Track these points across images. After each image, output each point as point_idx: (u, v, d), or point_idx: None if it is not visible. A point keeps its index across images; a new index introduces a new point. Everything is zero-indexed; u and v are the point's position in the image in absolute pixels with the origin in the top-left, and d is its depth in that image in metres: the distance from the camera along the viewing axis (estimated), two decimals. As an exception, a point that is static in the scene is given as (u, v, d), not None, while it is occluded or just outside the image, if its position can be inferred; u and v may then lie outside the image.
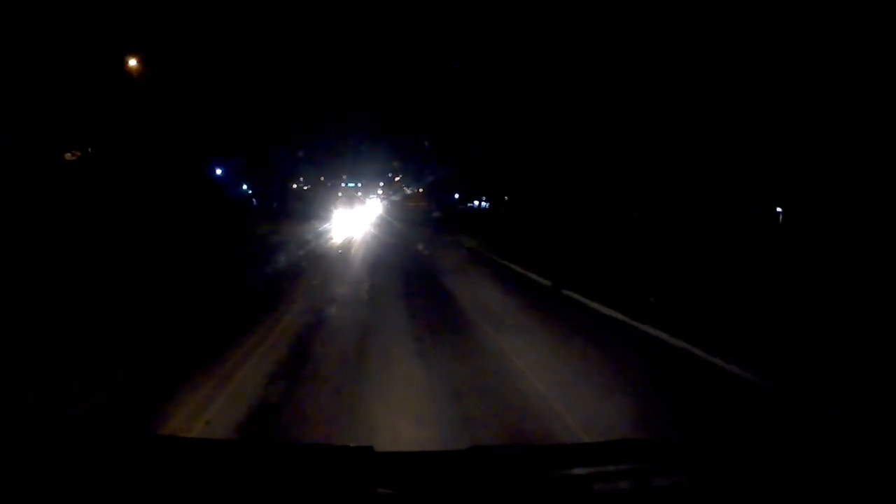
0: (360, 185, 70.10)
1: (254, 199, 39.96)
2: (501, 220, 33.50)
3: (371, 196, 65.20)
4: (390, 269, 14.14)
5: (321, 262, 15.21)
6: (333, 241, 22.81)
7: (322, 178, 66.28)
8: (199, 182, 28.23)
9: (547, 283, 12.15)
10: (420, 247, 20.52)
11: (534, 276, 13.14)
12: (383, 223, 37.57)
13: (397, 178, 65.92)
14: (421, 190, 56.15)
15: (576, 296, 10.46)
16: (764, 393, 5.52)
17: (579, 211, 29.06)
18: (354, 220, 36.90)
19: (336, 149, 59.47)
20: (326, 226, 30.88)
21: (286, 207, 38.68)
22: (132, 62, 23.63)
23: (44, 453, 1.60)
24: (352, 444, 1.72)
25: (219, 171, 36.41)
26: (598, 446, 2.19)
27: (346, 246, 20.50)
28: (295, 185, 55.55)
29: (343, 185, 68.69)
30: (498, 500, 1.48)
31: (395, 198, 58.01)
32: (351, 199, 54.95)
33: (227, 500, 1.47)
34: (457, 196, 55.08)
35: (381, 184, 71.93)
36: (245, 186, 42.43)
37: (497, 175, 37.41)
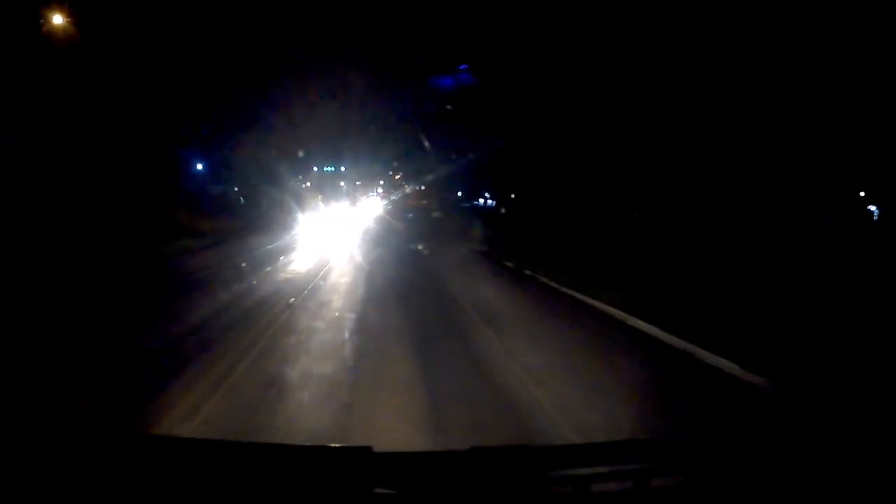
0: (343, 168, 51.46)
1: (241, 198, 38.02)
2: (533, 224, 25.08)
3: (370, 193, 62.05)
4: (406, 380, 5.32)
5: (221, 358, 5.86)
6: (293, 268, 13.41)
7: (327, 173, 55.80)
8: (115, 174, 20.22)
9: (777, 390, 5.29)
10: (449, 280, 11.63)
11: (710, 360, 6.01)
12: (382, 228, 28.95)
13: (398, 176, 63.15)
14: (423, 188, 55.17)
15: None
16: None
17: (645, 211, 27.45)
18: (339, 225, 28.19)
19: (334, 145, 55.91)
20: (295, 234, 22.89)
21: (259, 206, 34.43)
22: (57, 18, 17.17)
23: (43, 453, 1.60)
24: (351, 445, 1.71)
25: (199, 167, 34.43)
26: (598, 446, 2.19)
27: (309, 288, 10.26)
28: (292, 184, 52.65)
29: (315, 169, 47.70)
30: (497, 500, 1.48)
31: (394, 196, 56.45)
32: (330, 190, 42.55)
33: (226, 500, 1.47)
34: (459, 194, 54.55)
35: (381, 182, 64.60)
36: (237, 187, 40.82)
37: (503, 172, 37.04)
